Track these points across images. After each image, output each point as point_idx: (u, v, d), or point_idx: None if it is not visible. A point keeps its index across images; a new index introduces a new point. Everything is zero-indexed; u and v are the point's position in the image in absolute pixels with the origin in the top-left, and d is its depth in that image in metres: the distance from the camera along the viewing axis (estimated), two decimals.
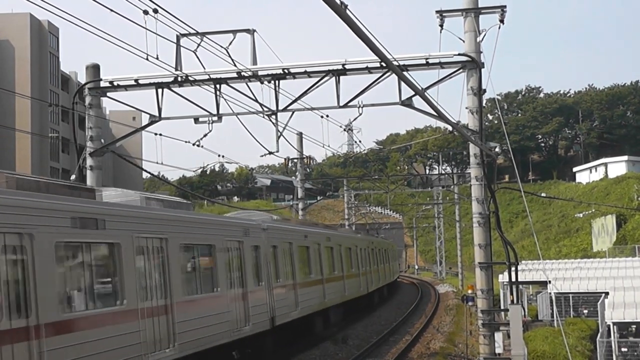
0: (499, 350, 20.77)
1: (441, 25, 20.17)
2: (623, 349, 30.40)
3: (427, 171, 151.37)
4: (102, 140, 21.73)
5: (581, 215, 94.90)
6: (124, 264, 14.05)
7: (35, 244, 11.70)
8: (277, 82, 20.31)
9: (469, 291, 27.28)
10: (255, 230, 21.66)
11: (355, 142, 53.06)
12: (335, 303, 31.32)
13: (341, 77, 20.03)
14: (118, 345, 13.60)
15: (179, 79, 20.47)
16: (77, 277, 13.25)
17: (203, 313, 17.19)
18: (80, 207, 13.24)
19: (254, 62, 19.85)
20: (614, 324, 30.69)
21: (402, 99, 19.80)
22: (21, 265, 11.55)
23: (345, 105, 20.27)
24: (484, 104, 22.02)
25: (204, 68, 20.31)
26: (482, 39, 19.96)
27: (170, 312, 15.47)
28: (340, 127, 30.10)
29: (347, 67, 19.92)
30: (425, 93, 16.23)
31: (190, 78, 20.34)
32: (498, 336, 20.77)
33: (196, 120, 21.09)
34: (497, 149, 21.33)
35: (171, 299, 15.62)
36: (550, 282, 38.20)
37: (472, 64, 19.92)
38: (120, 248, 14.03)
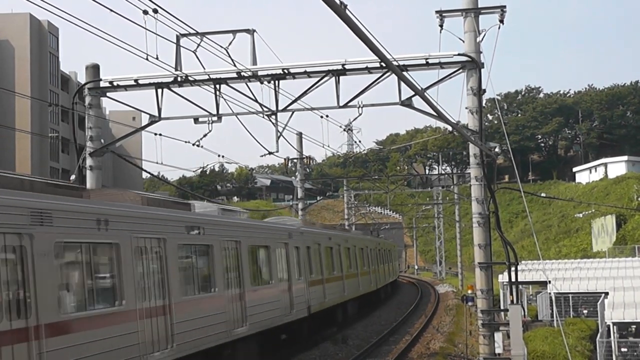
0: (498, 350, 20.76)
1: (441, 26, 20.16)
2: (623, 349, 30.39)
3: (427, 171, 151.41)
4: (102, 140, 21.73)
5: (581, 215, 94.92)
6: (215, 260, 18.69)
7: (168, 245, 16.14)
8: (276, 82, 20.30)
9: (469, 291, 27.34)
10: (296, 233, 26.21)
11: (355, 142, 52.93)
12: (352, 297, 35.72)
13: (341, 77, 20.02)
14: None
15: (179, 79, 20.46)
16: (195, 271, 17.87)
17: (266, 299, 21.80)
18: (190, 218, 17.80)
19: (254, 62, 19.85)
20: (613, 324, 30.68)
21: (402, 99, 19.79)
22: (159, 261, 15.86)
23: (345, 106, 20.27)
24: (483, 104, 22.01)
25: (204, 68, 20.31)
26: (482, 39, 19.95)
27: (243, 298, 19.95)
28: (340, 127, 30.11)
29: (347, 67, 19.91)
30: (425, 93, 16.23)
31: (190, 78, 20.34)
32: (498, 336, 20.76)
33: (196, 120, 21.09)
34: (497, 149, 21.32)
35: (244, 287, 20.12)
36: (550, 282, 38.19)
37: (472, 64, 19.91)
38: (213, 249, 18.67)
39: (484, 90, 20.42)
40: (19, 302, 11.49)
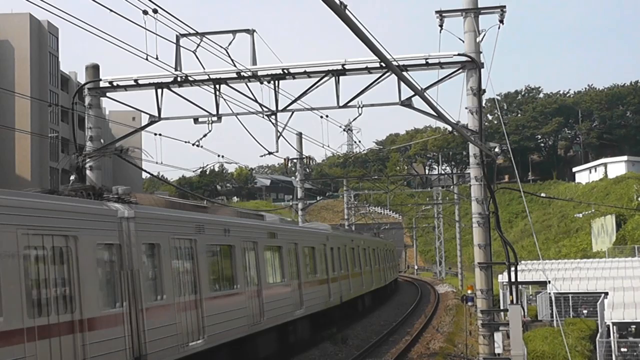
0: (498, 350, 20.75)
1: (441, 26, 20.16)
2: (622, 349, 30.37)
3: (427, 171, 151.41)
4: (102, 141, 21.72)
5: (581, 215, 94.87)
6: (283, 258, 24.25)
7: (259, 247, 21.78)
8: (276, 82, 20.30)
9: (469, 291, 27.27)
10: (331, 237, 32.45)
11: (355, 142, 52.71)
12: (368, 290, 41.82)
13: (341, 77, 20.02)
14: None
15: (179, 79, 20.46)
16: (274, 264, 23.70)
17: (315, 290, 28.04)
18: (270, 226, 23.94)
19: (254, 62, 19.85)
20: (613, 324, 30.66)
21: (402, 99, 19.80)
22: (255, 257, 21.43)
23: (345, 106, 20.27)
24: (483, 104, 21.99)
25: (204, 68, 20.31)
26: (482, 39, 19.94)
27: (301, 288, 25.81)
28: (340, 127, 30.15)
29: (346, 67, 19.91)
30: (425, 93, 16.25)
31: (190, 78, 20.34)
32: (497, 336, 20.76)
33: (196, 120, 21.09)
34: (496, 149, 21.31)
35: (301, 279, 26.02)
36: (549, 282, 38.19)
37: (472, 64, 19.91)
38: (282, 249, 24.21)
39: (484, 90, 20.42)
40: (191, 284, 17.00)
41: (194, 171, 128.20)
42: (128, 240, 14.41)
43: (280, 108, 20.47)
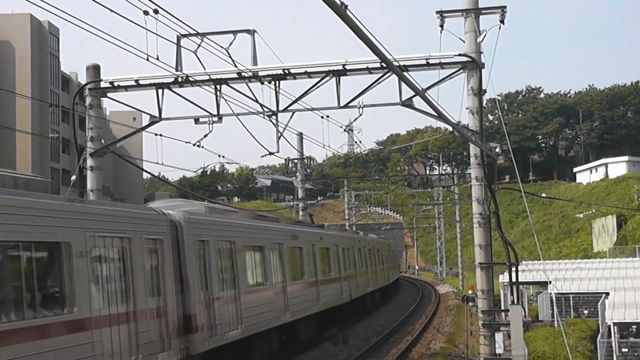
0: (499, 350, 20.75)
1: (441, 26, 20.14)
2: (623, 350, 30.38)
3: (428, 171, 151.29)
4: (103, 141, 21.72)
5: (581, 215, 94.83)
6: (331, 257, 31.00)
7: (316, 248, 28.25)
8: (277, 82, 20.29)
9: (470, 291, 27.26)
10: (360, 240, 41.50)
11: (356, 142, 53.06)
12: (381, 286, 47.79)
13: (341, 78, 19.99)
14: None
15: (180, 79, 20.45)
16: (325, 262, 30.52)
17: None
18: (291, 228, 26.60)
19: (254, 62, 19.84)
20: (614, 324, 30.66)
21: (403, 99, 19.78)
22: (312, 255, 27.74)
23: (346, 106, 20.25)
24: (484, 105, 21.98)
25: (205, 68, 20.30)
26: (483, 40, 19.93)
27: (343, 281, 32.50)
28: (341, 127, 30.13)
29: (347, 67, 19.89)
30: (426, 93, 16.23)
31: (190, 78, 20.33)
32: (498, 336, 20.76)
33: (196, 120, 21.08)
34: (497, 150, 21.31)
35: (341, 274, 32.87)
36: (550, 282, 38.17)
37: (473, 65, 19.90)
38: (330, 250, 30.57)
39: (485, 91, 20.41)
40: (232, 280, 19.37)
41: (194, 171, 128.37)
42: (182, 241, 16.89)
43: (281, 108, 20.45)
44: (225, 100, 20.43)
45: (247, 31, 19.65)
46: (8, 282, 11.54)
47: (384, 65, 16.41)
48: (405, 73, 16.66)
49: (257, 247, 21.68)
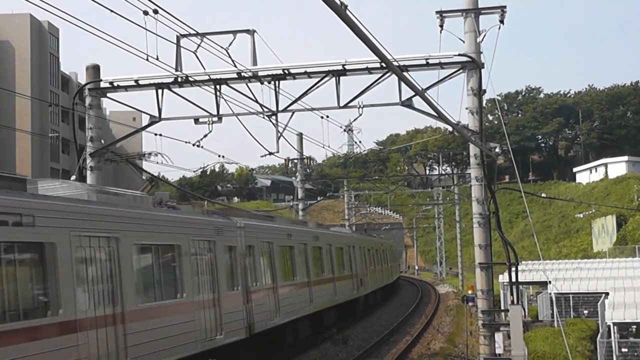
0: (499, 350, 20.76)
1: (441, 26, 20.15)
2: (623, 350, 30.37)
3: (427, 171, 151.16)
4: (103, 141, 21.72)
5: (581, 215, 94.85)
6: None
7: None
8: (277, 82, 20.29)
9: (469, 291, 27.24)
10: (379, 242, 51.15)
11: (356, 142, 52.57)
12: (387, 283, 52.25)
13: (341, 78, 20.00)
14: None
15: (179, 79, 20.45)
16: (344, 260, 34.75)
17: (345, 284, 34.50)
18: (313, 230, 30.10)
19: (254, 62, 19.84)
20: (614, 324, 30.65)
21: (402, 99, 19.78)
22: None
23: (346, 106, 20.26)
24: (484, 105, 21.98)
25: (204, 68, 20.30)
26: (482, 40, 19.94)
27: (363, 277, 37.92)
28: (341, 127, 30.12)
29: (347, 67, 19.89)
30: (426, 93, 16.24)
31: (190, 79, 20.33)
32: (498, 336, 20.76)
33: (196, 120, 21.08)
34: (497, 150, 21.30)
35: (367, 269, 39.66)
36: (550, 282, 38.18)
37: (472, 65, 19.90)
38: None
39: (484, 91, 20.41)
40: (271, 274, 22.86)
41: (194, 171, 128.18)
42: (241, 243, 20.33)
43: (280, 108, 20.46)
44: (225, 100, 20.45)
45: (247, 31, 19.64)
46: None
47: (384, 65, 16.41)
48: (405, 73, 16.66)
49: (288, 247, 25.13)
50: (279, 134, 21.05)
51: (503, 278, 38.04)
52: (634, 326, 31.17)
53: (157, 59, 16.95)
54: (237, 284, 19.87)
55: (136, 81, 20.80)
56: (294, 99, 20.34)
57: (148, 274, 15.66)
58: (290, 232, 25.74)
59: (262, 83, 20.25)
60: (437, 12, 20.10)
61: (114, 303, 13.92)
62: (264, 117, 20.65)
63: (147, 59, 16.53)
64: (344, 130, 34.88)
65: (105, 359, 13.33)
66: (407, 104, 19.79)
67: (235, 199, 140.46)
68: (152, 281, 15.75)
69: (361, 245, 40.46)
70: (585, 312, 38.80)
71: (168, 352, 15.56)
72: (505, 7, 19.75)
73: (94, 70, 21.26)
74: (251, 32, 19.61)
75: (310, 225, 31.88)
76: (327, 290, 30.48)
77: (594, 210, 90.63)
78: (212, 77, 20.32)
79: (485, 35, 19.80)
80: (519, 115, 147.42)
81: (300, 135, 37.34)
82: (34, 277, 12.22)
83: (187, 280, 16.78)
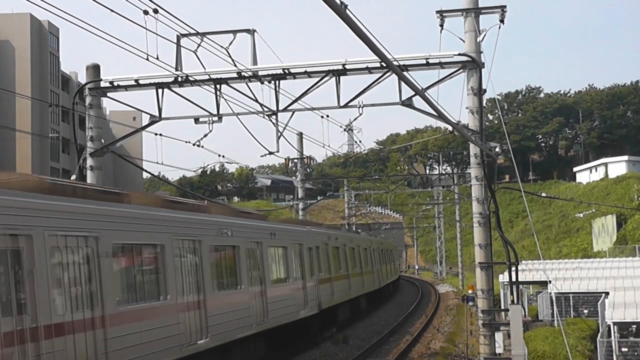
0: (499, 350, 20.75)
1: (441, 25, 20.16)
2: (623, 349, 30.33)
3: (428, 171, 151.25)
4: (103, 141, 21.71)
5: (581, 215, 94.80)
6: (341, 256, 33.88)
7: (329, 247, 31.27)
8: (277, 82, 20.29)
9: (470, 291, 27.28)
10: (389, 244, 59.24)
11: (356, 142, 52.95)
12: (393, 280, 57.32)
13: (341, 77, 20.00)
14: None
15: (179, 79, 20.45)
16: (363, 258, 40.59)
17: (357, 281, 37.31)
18: (329, 233, 32.90)
19: (254, 62, 19.84)
20: (614, 324, 30.62)
21: (403, 99, 19.78)
22: (325, 254, 30.46)
23: (346, 106, 20.26)
24: (484, 104, 21.98)
25: (204, 68, 20.29)
26: (483, 39, 19.94)
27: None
28: (341, 127, 30.09)
29: (347, 67, 19.89)
30: (426, 93, 16.22)
31: (190, 78, 20.33)
32: (498, 336, 20.76)
33: (196, 120, 21.08)
34: (497, 149, 21.30)
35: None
36: (550, 282, 38.15)
37: (473, 64, 19.90)
38: (339, 250, 33.72)
39: (485, 90, 20.41)
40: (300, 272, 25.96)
41: (194, 171, 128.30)
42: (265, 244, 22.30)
43: (280, 108, 20.45)
44: (225, 99, 20.45)
45: (247, 31, 19.64)
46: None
47: (384, 65, 16.43)
48: (405, 73, 16.65)
49: (309, 248, 27.45)
50: (279, 134, 21.06)
51: (503, 277, 38.03)
52: (634, 326, 31.15)
53: (157, 58, 16.95)
54: (312, 274, 26.82)
55: (136, 81, 20.80)
56: (294, 98, 20.35)
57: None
58: (337, 236, 33.54)
59: (262, 82, 20.25)
60: (437, 12, 20.10)
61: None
62: (264, 117, 20.65)
63: (147, 59, 16.53)
64: (344, 130, 34.87)
65: None
66: (407, 103, 19.79)
67: (236, 199, 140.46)
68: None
69: (376, 247, 47.69)
70: (585, 311, 38.77)
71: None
72: (505, 6, 19.76)
73: (94, 69, 21.25)
74: (251, 32, 19.61)
75: (343, 231, 40.01)
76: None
77: (594, 210, 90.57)
78: (212, 76, 20.32)
79: (485, 35, 19.80)
80: (519, 115, 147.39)
81: (300, 134, 37.36)
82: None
83: (244, 273, 19.79)
